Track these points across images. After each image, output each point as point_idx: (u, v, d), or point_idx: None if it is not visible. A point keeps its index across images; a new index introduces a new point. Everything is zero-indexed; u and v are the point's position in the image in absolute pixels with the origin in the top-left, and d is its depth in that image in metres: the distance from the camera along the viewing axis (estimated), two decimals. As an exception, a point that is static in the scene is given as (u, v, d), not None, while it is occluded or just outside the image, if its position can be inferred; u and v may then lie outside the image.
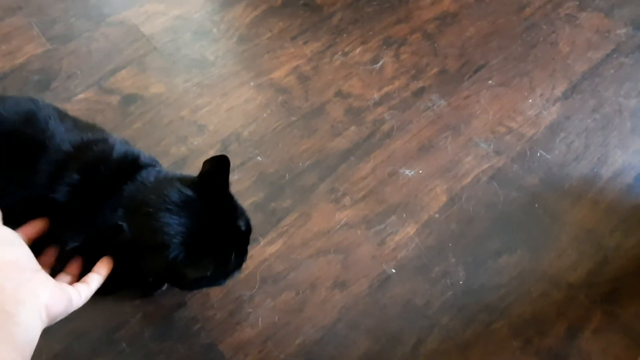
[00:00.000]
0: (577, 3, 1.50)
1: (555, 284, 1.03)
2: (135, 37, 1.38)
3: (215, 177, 0.73)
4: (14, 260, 0.54)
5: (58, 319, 0.56)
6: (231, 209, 0.74)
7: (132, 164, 0.74)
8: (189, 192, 0.69)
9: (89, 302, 1.00)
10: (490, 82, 1.33)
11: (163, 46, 1.37)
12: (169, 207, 0.66)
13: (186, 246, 0.66)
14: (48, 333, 0.96)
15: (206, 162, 0.73)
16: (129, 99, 1.27)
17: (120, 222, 0.66)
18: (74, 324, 0.99)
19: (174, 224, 0.65)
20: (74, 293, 0.61)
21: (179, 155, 1.18)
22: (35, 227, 0.67)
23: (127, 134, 1.19)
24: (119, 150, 0.75)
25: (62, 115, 0.77)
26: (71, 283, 0.65)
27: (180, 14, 1.44)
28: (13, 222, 0.67)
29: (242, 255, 0.80)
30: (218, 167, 0.72)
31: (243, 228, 0.75)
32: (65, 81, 1.30)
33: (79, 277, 0.68)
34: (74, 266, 0.71)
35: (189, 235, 0.66)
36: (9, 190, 0.67)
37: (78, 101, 1.26)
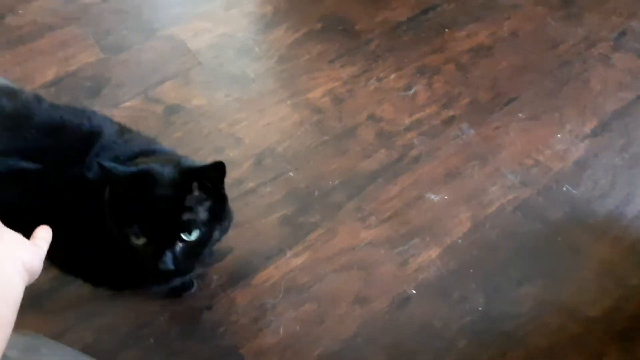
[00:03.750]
0: (611, 43, 1.53)
1: (574, 317, 1.04)
2: (182, 52, 1.47)
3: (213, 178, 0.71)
4: None
5: (36, 277, 0.55)
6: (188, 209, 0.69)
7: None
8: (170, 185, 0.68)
9: (121, 298, 1.07)
10: (520, 115, 1.36)
11: (207, 61, 1.45)
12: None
13: (129, 215, 0.66)
14: (80, 325, 1.03)
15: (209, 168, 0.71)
16: (172, 109, 1.35)
17: None
18: (105, 318, 1.05)
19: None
20: (43, 247, 0.58)
21: (215, 165, 1.24)
22: None
23: (168, 142, 1.25)
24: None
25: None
26: None
27: (225, 32, 1.52)
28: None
29: (167, 244, 0.68)
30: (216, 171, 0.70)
31: (188, 228, 0.68)
32: (114, 89, 1.38)
33: None
34: None
35: (140, 210, 0.66)
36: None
37: (125, 108, 1.34)
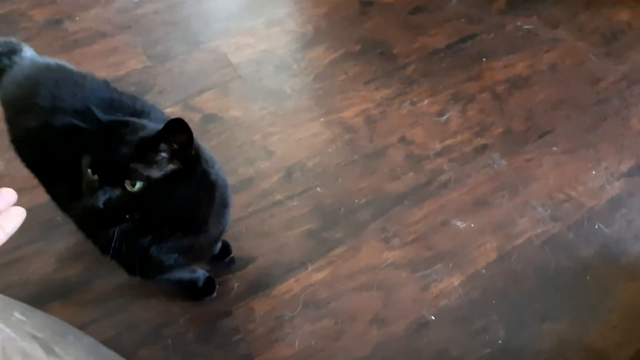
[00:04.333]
0: (654, 83, 1.50)
1: (598, 359, 1.01)
2: (224, 64, 1.52)
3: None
4: None
5: None
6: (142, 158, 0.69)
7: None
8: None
9: (143, 296, 1.10)
10: (554, 148, 1.35)
11: (247, 75, 1.50)
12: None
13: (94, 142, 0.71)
14: (103, 319, 1.06)
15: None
16: (209, 118, 1.39)
17: None
18: (127, 315, 1.08)
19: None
20: None
21: (246, 175, 1.27)
22: None
23: (203, 150, 1.30)
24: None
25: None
26: None
27: (266, 48, 1.57)
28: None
29: (108, 182, 0.69)
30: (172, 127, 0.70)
31: (130, 176, 0.69)
32: (156, 95, 1.44)
33: None
34: None
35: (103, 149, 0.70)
36: None
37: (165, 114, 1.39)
